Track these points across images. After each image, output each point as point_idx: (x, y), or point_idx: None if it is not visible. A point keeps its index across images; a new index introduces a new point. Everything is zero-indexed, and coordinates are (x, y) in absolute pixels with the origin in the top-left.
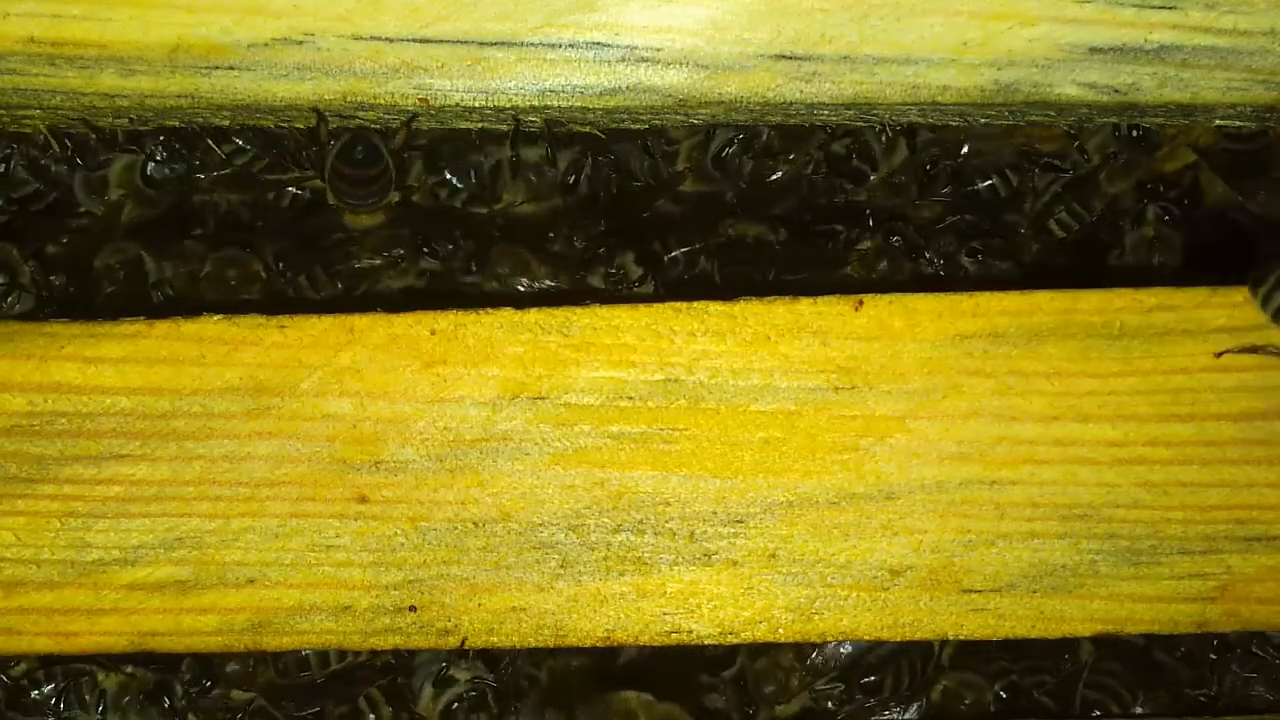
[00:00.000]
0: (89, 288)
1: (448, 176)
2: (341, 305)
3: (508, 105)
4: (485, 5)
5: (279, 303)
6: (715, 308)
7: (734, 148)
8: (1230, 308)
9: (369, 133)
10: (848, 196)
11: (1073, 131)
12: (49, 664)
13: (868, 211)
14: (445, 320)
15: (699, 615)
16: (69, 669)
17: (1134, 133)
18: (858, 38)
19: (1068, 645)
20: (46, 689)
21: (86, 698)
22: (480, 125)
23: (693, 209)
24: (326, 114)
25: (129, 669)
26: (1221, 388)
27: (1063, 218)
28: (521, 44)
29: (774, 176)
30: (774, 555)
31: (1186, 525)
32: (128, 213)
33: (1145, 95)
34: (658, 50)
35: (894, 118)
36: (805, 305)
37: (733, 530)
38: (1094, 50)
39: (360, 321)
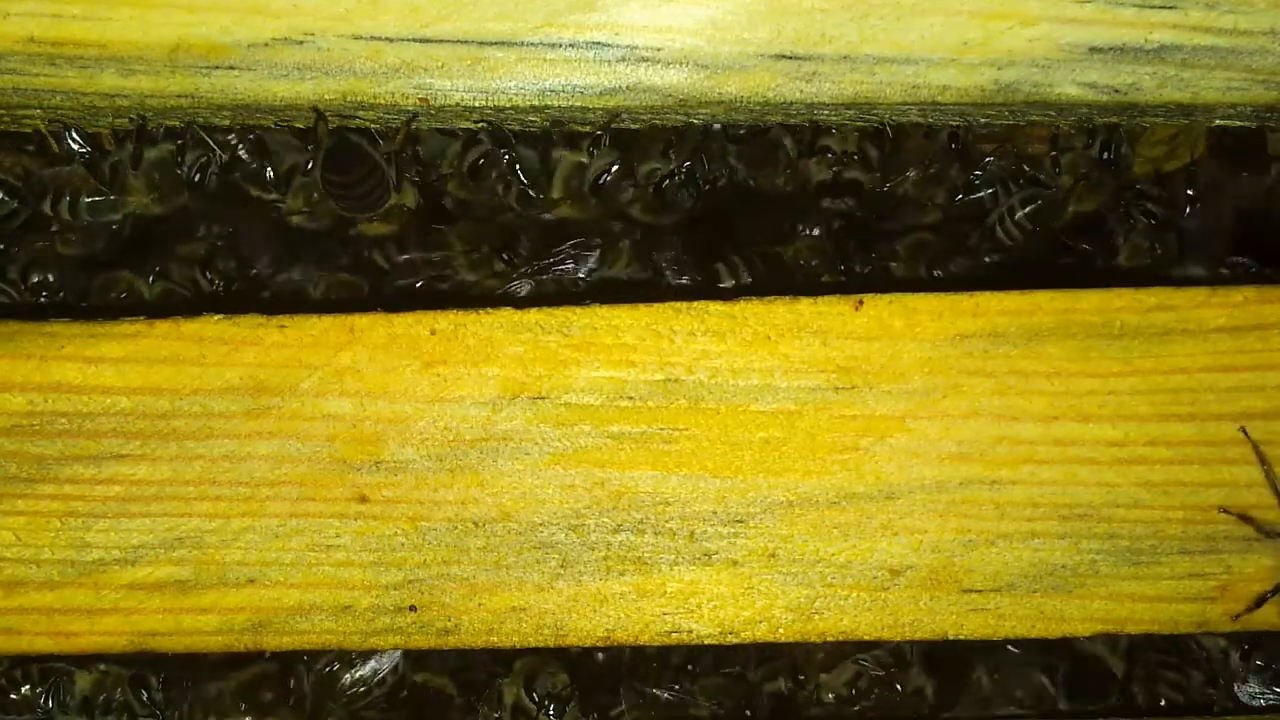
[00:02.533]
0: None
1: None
2: (342, 305)
3: (508, 105)
4: (485, 5)
5: (279, 303)
6: (715, 308)
7: None
8: (1230, 307)
9: (350, 137)
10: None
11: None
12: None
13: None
14: (445, 320)
15: (699, 615)
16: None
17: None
18: (858, 37)
19: None
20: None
21: (66, 699)
22: (480, 125)
23: None
24: (326, 114)
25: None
26: (1221, 388)
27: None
28: (521, 44)
29: None
30: (774, 555)
31: (1187, 525)
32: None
33: (1145, 95)
34: (658, 50)
35: (894, 117)
36: (805, 305)
37: (733, 530)
38: (1094, 50)
39: (360, 321)
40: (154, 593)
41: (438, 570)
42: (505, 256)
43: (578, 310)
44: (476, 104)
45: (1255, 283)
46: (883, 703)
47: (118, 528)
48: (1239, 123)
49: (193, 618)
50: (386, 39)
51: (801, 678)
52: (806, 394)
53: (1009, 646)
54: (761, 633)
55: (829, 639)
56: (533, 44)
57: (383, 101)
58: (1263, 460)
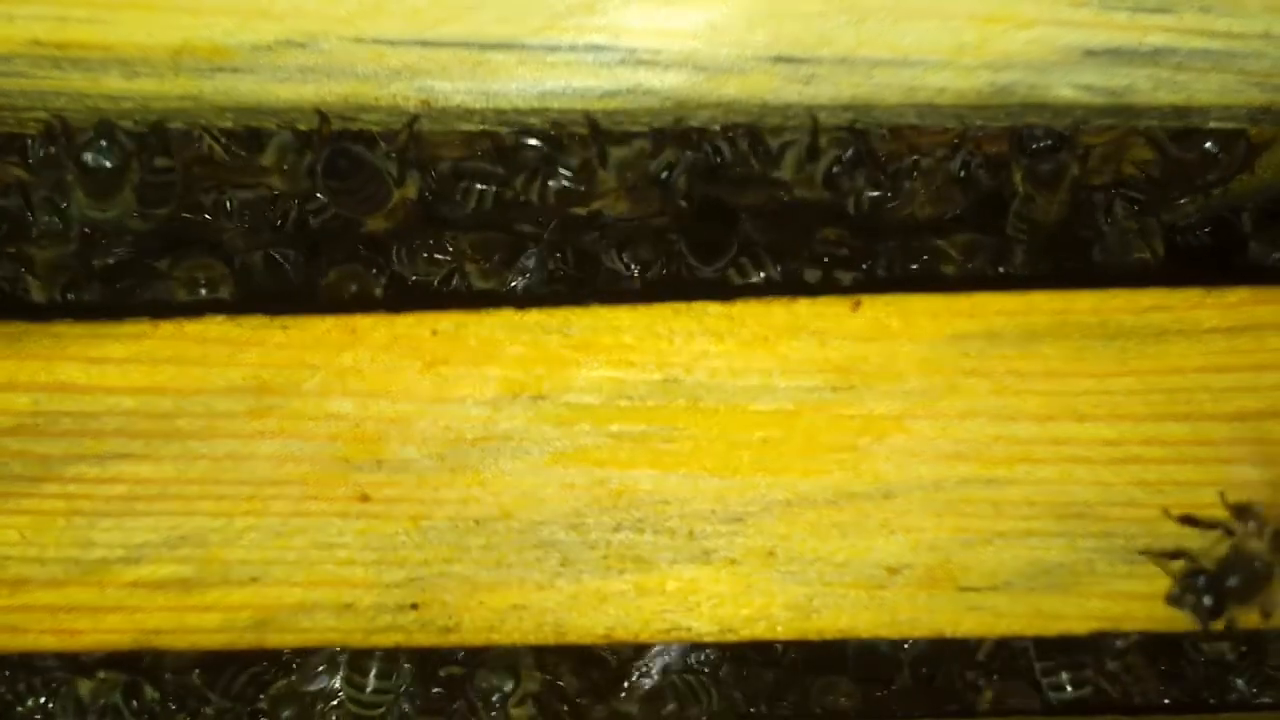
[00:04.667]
0: None
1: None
2: (344, 305)
3: (508, 108)
4: (486, 8)
5: (281, 303)
6: (714, 308)
7: None
8: (1225, 308)
9: (348, 144)
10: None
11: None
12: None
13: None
14: (447, 320)
15: (698, 613)
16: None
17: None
18: (855, 40)
19: None
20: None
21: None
22: (481, 127)
23: None
24: (329, 116)
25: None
26: (1216, 388)
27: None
28: (522, 47)
29: None
30: (772, 553)
31: (1182, 524)
32: None
33: (1140, 97)
34: (657, 53)
35: (891, 119)
36: (803, 305)
37: (731, 529)
38: (1089, 53)
39: (362, 322)
40: (157, 591)
41: (439, 569)
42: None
43: (578, 310)
44: (477, 106)
45: (1250, 284)
46: None
47: (122, 526)
48: (1232, 124)
49: (196, 615)
50: (388, 42)
51: None
52: (804, 394)
53: None
54: (760, 630)
55: (827, 637)
56: (533, 47)
57: (384, 104)
58: None
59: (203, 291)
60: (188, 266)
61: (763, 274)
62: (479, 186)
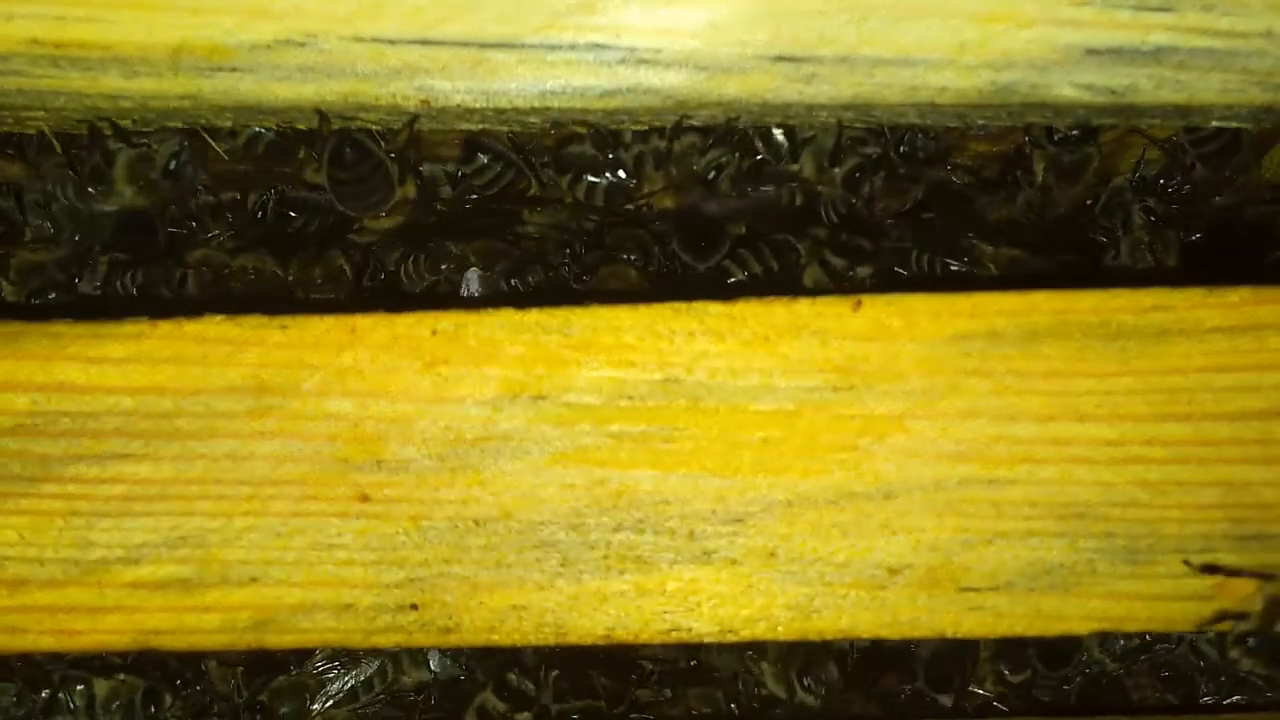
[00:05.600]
0: None
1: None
2: (343, 305)
3: (508, 107)
4: (487, 7)
5: (280, 303)
6: (714, 308)
7: None
8: (1227, 308)
9: (354, 134)
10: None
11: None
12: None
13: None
14: (447, 320)
15: (698, 613)
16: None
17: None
18: (856, 39)
19: None
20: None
21: (76, 703)
22: (481, 126)
23: None
24: (328, 115)
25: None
26: (1218, 387)
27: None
28: (522, 45)
29: None
30: (773, 554)
31: (1183, 524)
32: None
33: (1142, 97)
34: (657, 52)
35: (892, 119)
36: (804, 305)
37: (732, 529)
38: (1091, 52)
39: (362, 322)
40: (156, 591)
41: (439, 569)
42: None
43: (578, 310)
44: (477, 105)
45: (1252, 283)
46: None
47: (121, 527)
48: (1235, 124)
49: (195, 616)
50: (388, 41)
51: None
52: (805, 394)
53: None
54: (761, 631)
55: (827, 637)
56: (533, 46)
57: (384, 103)
58: None
59: (318, 281)
60: (302, 263)
61: (761, 267)
62: (497, 166)
